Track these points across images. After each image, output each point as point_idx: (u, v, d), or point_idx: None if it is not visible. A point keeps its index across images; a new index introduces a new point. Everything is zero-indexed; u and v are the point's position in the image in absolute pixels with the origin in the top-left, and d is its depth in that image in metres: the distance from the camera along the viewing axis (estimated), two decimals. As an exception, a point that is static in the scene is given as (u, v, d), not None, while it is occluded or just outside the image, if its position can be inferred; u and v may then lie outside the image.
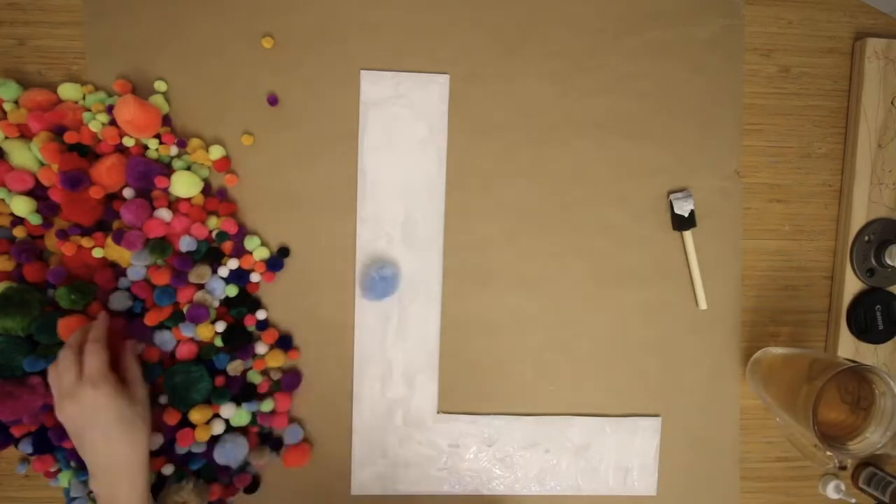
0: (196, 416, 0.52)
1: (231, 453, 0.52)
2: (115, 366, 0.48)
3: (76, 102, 0.53)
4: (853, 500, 0.61)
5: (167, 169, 0.53)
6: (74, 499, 0.53)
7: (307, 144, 0.56)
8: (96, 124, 0.51)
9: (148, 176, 0.52)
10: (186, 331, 0.53)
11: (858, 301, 0.60)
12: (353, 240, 0.57)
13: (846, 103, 0.61)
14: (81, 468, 0.53)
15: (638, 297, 0.59)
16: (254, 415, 0.55)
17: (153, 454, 0.52)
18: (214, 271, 0.54)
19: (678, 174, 0.59)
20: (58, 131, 0.51)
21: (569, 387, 0.59)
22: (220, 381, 0.53)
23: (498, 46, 0.57)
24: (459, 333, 0.58)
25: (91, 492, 0.53)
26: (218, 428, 0.53)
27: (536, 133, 0.58)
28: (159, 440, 0.52)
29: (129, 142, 0.52)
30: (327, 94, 0.56)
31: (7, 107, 0.52)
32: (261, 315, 0.55)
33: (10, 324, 0.49)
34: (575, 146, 0.58)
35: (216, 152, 0.54)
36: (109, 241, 0.52)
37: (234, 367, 0.54)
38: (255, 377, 0.54)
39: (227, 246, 0.54)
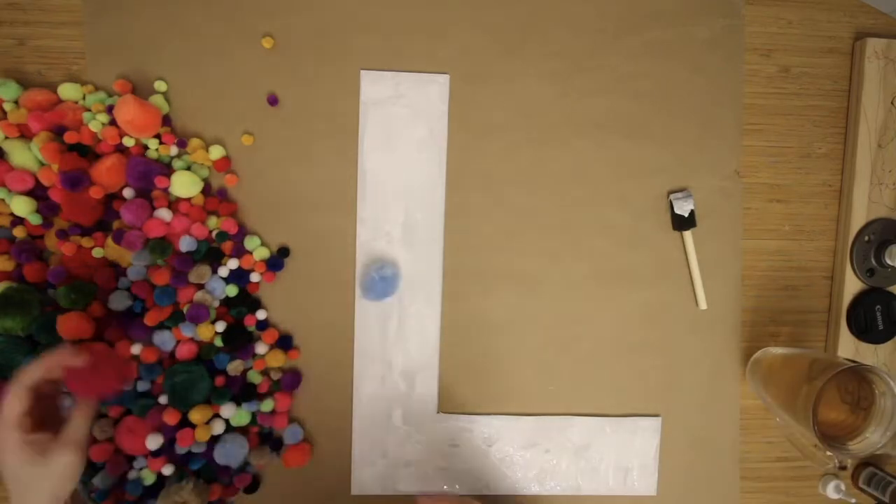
0: (196, 416, 0.52)
1: (231, 453, 0.52)
2: (56, 413, 0.45)
3: (76, 102, 0.53)
4: (853, 500, 0.61)
5: (167, 169, 0.53)
6: (74, 499, 0.53)
7: (307, 144, 0.56)
8: (96, 124, 0.51)
9: (148, 176, 0.52)
10: (186, 331, 0.53)
11: (858, 301, 0.60)
12: (353, 240, 0.57)
13: (846, 103, 0.61)
14: (81, 468, 0.53)
15: (638, 297, 0.59)
16: (254, 415, 0.55)
17: (153, 454, 0.52)
18: (214, 271, 0.54)
19: (678, 174, 0.59)
20: (58, 131, 0.51)
21: (569, 387, 0.59)
22: (220, 381, 0.53)
23: (498, 46, 0.57)
24: (459, 333, 0.58)
25: (91, 492, 0.53)
26: (218, 428, 0.53)
27: (536, 133, 0.58)
28: (159, 440, 0.51)
29: (129, 142, 0.52)
30: (327, 94, 0.56)
31: (7, 107, 0.52)
32: (261, 315, 0.55)
33: (10, 324, 0.49)
34: (575, 146, 0.58)
35: (216, 152, 0.54)
36: (109, 241, 0.52)
37: (234, 367, 0.54)
38: (255, 377, 0.54)
39: (227, 246, 0.54)
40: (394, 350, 0.57)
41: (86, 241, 0.52)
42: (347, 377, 0.57)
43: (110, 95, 0.54)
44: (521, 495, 0.59)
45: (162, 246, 0.51)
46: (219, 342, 0.54)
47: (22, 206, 0.51)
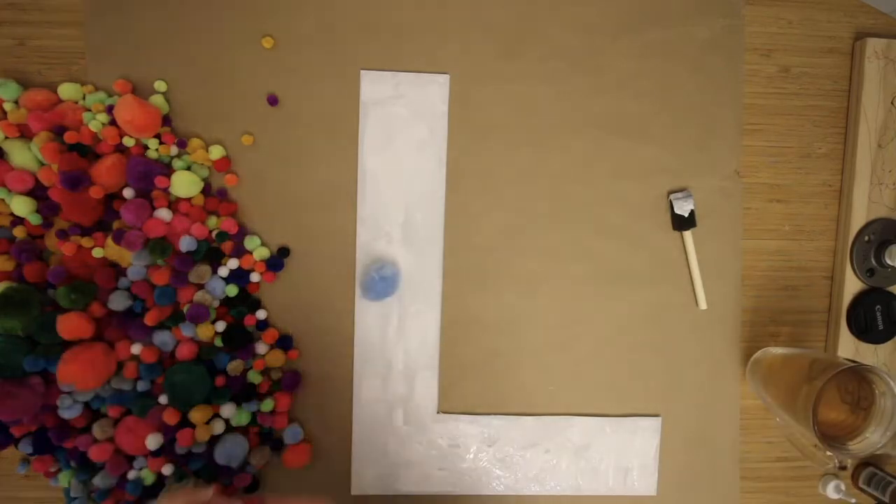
0: (196, 416, 0.52)
1: (231, 453, 0.52)
2: None
3: (76, 102, 0.53)
4: (853, 500, 0.61)
5: (167, 169, 0.53)
6: (74, 499, 0.53)
7: (307, 144, 0.56)
8: (96, 124, 0.51)
9: (148, 176, 0.52)
10: (186, 331, 0.53)
11: (858, 301, 0.60)
12: (353, 240, 0.57)
13: (846, 103, 0.61)
14: (81, 468, 0.53)
15: (638, 298, 0.59)
16: (254, 415, 0.55)
17: (153, 454, 0.52)
18: (214, 271, 0.54)
19: (678, 174, 0.59)
20: (58, 131, 0.51)
21: (569, 387, 0.59)
22: (220, 381, 0.53)
23: (498, 46, 0.57)
24: (459, 333, 0.58)
25: (91, 492, 0.53)
26: (218, 428, 0.53)
27: (536, 133, 0.58)
28: (159, 440, 0.51)
29: (129, 142, 0.52)
30: (327, 94, 0.56)
31: (7, 107, 0.52)
32: (261, 315, 0.55)
33: (10, 324, 0.49)
34: (575, 146, 0.58)
35: (216, 152, 0.54)
36: (109, 241, 0.52)
37: (234, 367, 0.54)
38: (255, 377, 0.54)
39: (227, 246, 0.54)
40: (394, 350, 0.57)
41: (86, 241, 0.52)
42: (347, 377, 0.57)
43: (110, 95, 0.54)
44: (521, 495, 0.59)
45: (162, 246, 0.51)
46: (219, 342, 0.54)
47: (22, 206, 0.51)
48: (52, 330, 0.50)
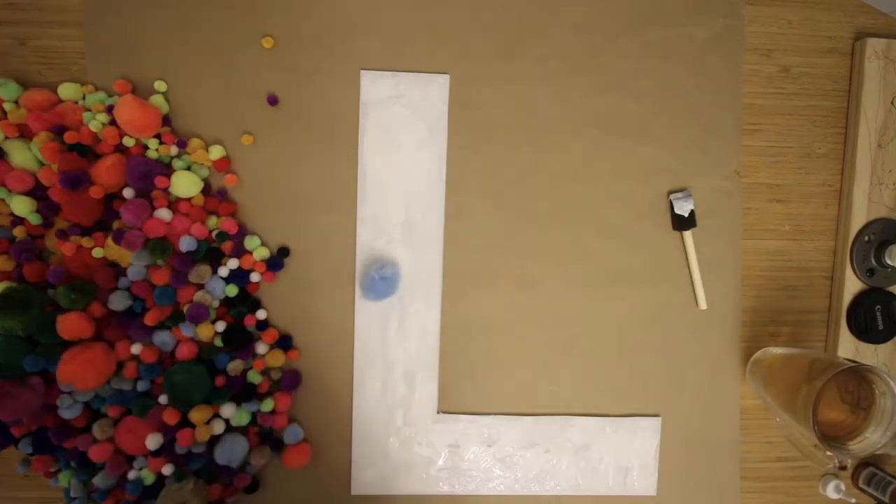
0: (196, 416, 0.52)
1: (231, 453, 0.52)
2: None
3: (76, 102, 0.53)
4: (853, 500, 0.61)
5: (167, 169, 0.53)
6: (74, 499, 0.53)
7: (307, 144, 0.56)
8: (96, 124, 0.51)
9: (148, 176, 0.52)
10: (186, 331, 0.53)
11: (858, 301, 0.60)
12: (353, 240, 0.57)
13: (846, 103, 0.61)
14: (81, 468, 0.53)
15: (638, 297, 0.59)
16: (254, 415, 0.55)
17: (153, 454, 0.52)
18: (214, 271, 0.54)
19: (678, 174, 0.59)
20: (58, 131, 0.51)
21: (569, 387, 0.59)
22: (220, 381, 0.53)
23: (498, 46, 0.57)
24: (459, 333, 0.58)
25: (91, 492, 0.53)
26: (218, 428, 0.53)
27: (536, 133, 0.58)
28: (159, 440, 0.51)
29: (129, 142, 0.52)
30: (327, 94, 0.56)
31: (7, 107, 0.52)
32: (261, 315, 0.55)
33: (10, 324, 0.49)
34: (575, 146, 0.58)
35: (216, 152, 0.54)
36: (109, 241, 0.52)
37: (234, 367, 0.54)
38: (255, 377, 0.54)
39: (227, 246, 0.54)
40: (394, 350, 0.57)
41: (86, 241, 0.52)
42: (347, 377, 0.57)
43: (110, 95, 0.54)
44: (521, 495, 0.59)
45: (162, 246, 0.51)
46: (219, 342, 0.54)
47: (22, 206, 0.51)
48: (52, 330, 0.50)
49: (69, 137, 0.51)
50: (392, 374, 0.58)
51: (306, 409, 0.57)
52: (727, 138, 0.60)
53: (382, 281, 0.55)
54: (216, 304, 0.54)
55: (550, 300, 0.59)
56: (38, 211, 0.52)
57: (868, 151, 0.59)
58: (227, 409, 0.53)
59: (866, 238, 0.59)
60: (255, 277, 0.55)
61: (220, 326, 0.53)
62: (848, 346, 0.60)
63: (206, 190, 0.55)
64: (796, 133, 0.61)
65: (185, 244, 0.52)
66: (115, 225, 0.53)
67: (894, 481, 0.58)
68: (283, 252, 0.56)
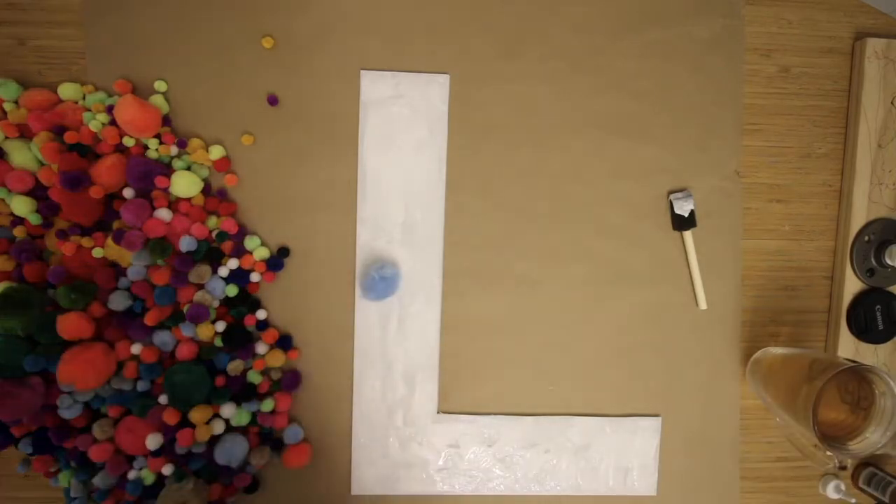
0: (196, 416, 0.52)
1: (231, 453, 0.52)
2: None
3: (76, 102, 0.53)
4: (853, 500, 0.61)
5: (167, 169, 0.53)
6: (74, 499, 0.53)
7: (307, 144, 0.56)
8: (96, 124, 0.51)
9: (148, 176, 0.52)
10: (186, 331, 0.53)
11: (858, 301, 0.60)
12: (353, 240, 0.57)
13: (846, 103, 0.61)
14: (81, 468, 0.53)
15: (638, 298, 0.59)
16: (254, 415, 0.55)
17: (153, 454, 0.52)
18: (214, 271, 0.54)
19: (678, 174, 0.59)
20: (58, 131, 0.51)
21: (569, 387, 0.59)
22: (220, 381, 0.53)
23: (498, 46, 0.57)
24: (459, 333, 0.58)
25: (91, 492, 0.53)
26: (218, 428, 0.53)
27: (536, 133, 0.58)
28: (159, 440, 0.51)
29: (129, 142, 0.52)
30: (327, 94, 0.56)
31: (7, 107, 0.52)
32: (261, 315, 0.55)
33: (10, 324, 0.49)
34: (575, 146, 0.58)
35: (216, 152, 0.54)
36: (109, 241, 0.52)
37: (234, 367, 0.54)
38: (255, 377, 0.54)
39: (227, 246, 0.54)
40: (394, 350, 0.57)
41: (86, 241, 0.52)
42: (347, 377, 0.57)
43: (110, 95, 0.54)
44: (521, 495, 0.59)
45: (162, 246, 0.51)
46: (219, 342, 0.54)
47: (22, 206, 0.51)
48: (52, 330, 0.50)
49: (69, 137, 0.51)
50: (392, 374, 0.58)
51: (306, 409, 0.57)
52: (727, 138, 0.60)
53: (382, 281, 0.55)
54: (216, 304, 0.54)
55: (550, 300, 0.59)
56: (38, 211, 0.52)
57: (868, 151, 0.59)
58: (227, 409, 0.53)
59: (866, 238, 0.59)
60: (255, 277, 0.55)
61: (220, 326, 0.53)
62: (848, 346, 0.60)
63: (206, 190, 0.55)
64: (796, 133, 0.61)
65: (185, 244, 0.52)
66: (115, 225, 0.53)
67: (894, 481, 0.58)
68: (283, 252, 0.56)
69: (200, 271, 0.53)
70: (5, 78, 0.52)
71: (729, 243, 0.60)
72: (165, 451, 0.52)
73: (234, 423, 0.54)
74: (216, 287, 0.54)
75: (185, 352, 0.53)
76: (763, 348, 0.59)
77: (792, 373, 0.53)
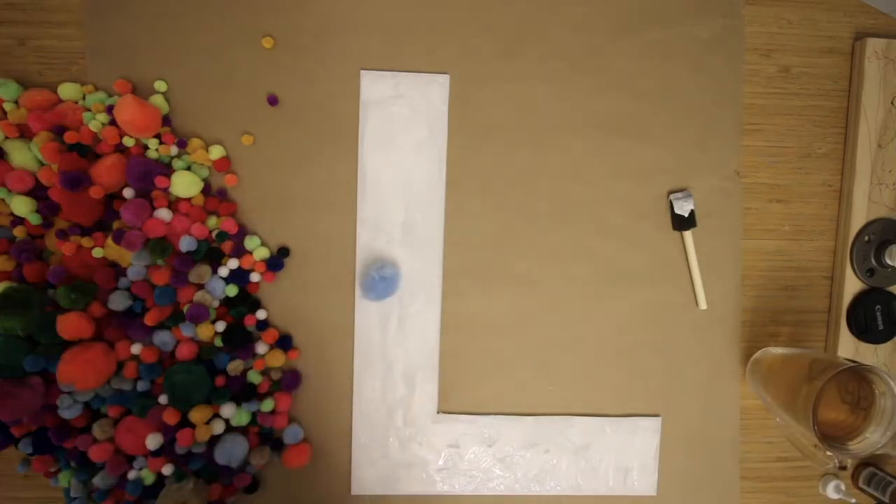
0: (196, 416, 0.52)
1: (231, 453, 0.52)
2: None
3: (76, 102, 0.53)
4: (853, 500, 0.61)
5: (167, 169, 0.53)
6: (74, 499, 0.53)
7: (307, 144, 0.56)
8: (96, 124, 0.51)
9: (148, 176, 0.52)
10: (186, 331, 0.53)
11: (858, 301, 0.60)
12: (353, 240, 0.57)
13: (846, 103, 0.61)
14: (81, 468, 0.53)
15: (638, 298, 0.59)
16: (254, 415, 0.55)
17: (153, 454, 0.52)
18: (214, 271, 0.54)
19: (678, 174, 0.59)
20: (58, 131, 0.51)
21: (569, 387, 0.59)
22: (220, 381, 0.53)
23: (498, 46, 0.57)
24: (459, 333, 0.58)
25: (91, 492, 0.53)
26: (218, 428, 0.53)
27: (536, 133, 0.58)
28: (159, 440, 0.51)
29: (129, 142, 0.52)
30: (327, 94, 0.56)
31: (7, 107, 0.52)
32: (261, 315, 0.55)
33: (10, 324, 0.49)
34: (575, 146, 0.58)
35: (216, 152, 0.54)
36: (109, 241, 0.52)
37: (234, 367, 0.54)
38: (255, 377, 0.54)
39: (227, 246, 0.54)
40: (394, 350, 0.57)
41: (86, 241, 0.52)
42: (347, 377, 0.57)
43: (110, 95, 0.54)
44: (521, 495, 0.59)
45: (162, 246, 0.51)
46: (219, 342, 0.54)
47: (22, 206, 0.51)
48: (52, 330, 0.50)
49: (69, 137, 0.51)
50: (392, 373, 0.58)
51: (306, 409, 0.57)
52: (727, 138, 0.60)
53: (382, 281, 0.55)
54: (216, 304, 0.54)
55: (550, 300, 0.59)
56: (38, 211, 0.52)
57: (868, 151, 0.59)
58: (227, 409, 0.53)
59: (866, 238, 0.59)
60: (255, 277, 0.55)
61: (220, 326, 0.53)
62: (848, 346, 0.60)
63: (206, 190, 0.55)
64: (796, 133, 0.61)
65: (185, 244, 0.52)
66: (115, 225, 0.53)
67: (894, 481, 0.58)
68: (283, 252, 0.56)
69: (200, 271, 0.53)
70: (5, 78, 0.52)
71: (729, 243, 0.60)
72: (165, 451, 0.52)
73: (234, 423, 0.54)
74: (216, 287, 0.54)
75: (185, 352, 0.53)
76: (763, 348, 0.59)
77: (792, 373, 0.53)
